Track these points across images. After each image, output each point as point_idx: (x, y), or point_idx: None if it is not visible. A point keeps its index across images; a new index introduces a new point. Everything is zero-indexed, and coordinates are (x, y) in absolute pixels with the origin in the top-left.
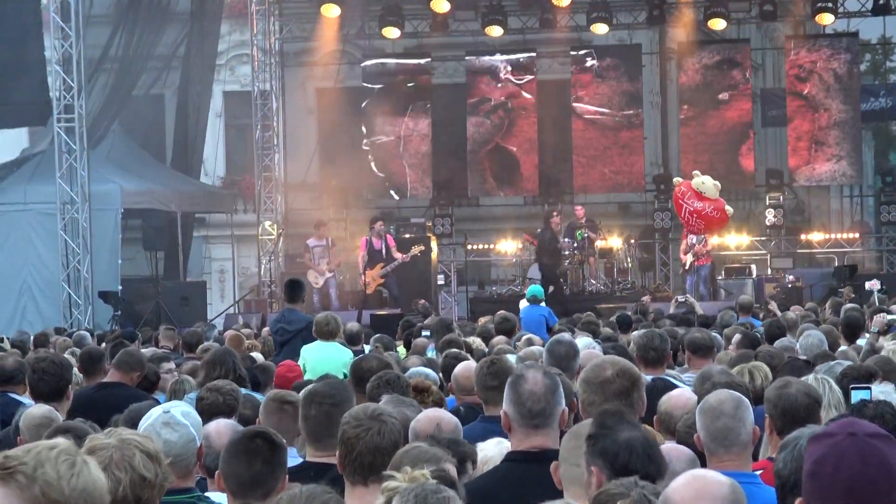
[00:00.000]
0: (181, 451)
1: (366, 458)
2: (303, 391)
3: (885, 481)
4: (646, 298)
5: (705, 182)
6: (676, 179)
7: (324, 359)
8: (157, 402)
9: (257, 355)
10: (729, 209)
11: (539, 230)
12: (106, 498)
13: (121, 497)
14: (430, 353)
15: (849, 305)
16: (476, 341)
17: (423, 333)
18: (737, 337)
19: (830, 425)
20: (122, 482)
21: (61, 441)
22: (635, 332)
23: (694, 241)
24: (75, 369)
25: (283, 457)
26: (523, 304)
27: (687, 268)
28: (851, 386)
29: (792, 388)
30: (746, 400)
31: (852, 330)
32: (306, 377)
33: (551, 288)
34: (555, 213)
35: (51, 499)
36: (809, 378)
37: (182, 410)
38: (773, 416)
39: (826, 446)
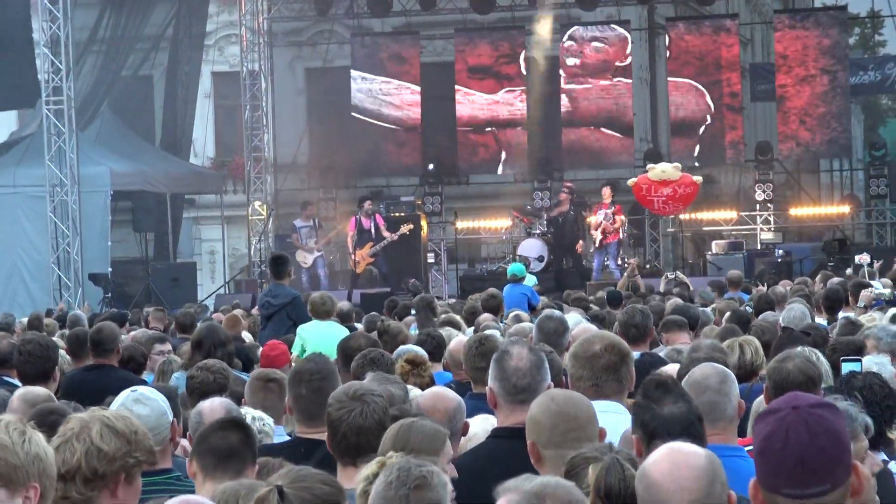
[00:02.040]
0: (155, 425)
1: (350, 439)
2: (290, 372)
3: (834, 449)
4: (632, 261)
5: (664, 169)
6: (631, 181)
7: (323, 337)
8: (146, 384)
9: (246, 335)
10: (697, 178)
11: (562, 211)
12: (53, 468)
13: (75, 467)
14: (413, 332)
15: (834, 279)
16: (458, 319)
17: (412, 312)
18: (728, 312)
19: (774, 402)
20: (77, 452)
21: (6, 415)
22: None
23: (601, 218)
24: (62, 351)
25: (254, 440)
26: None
27: (597, 245)
28: (842, 358)
29: (789, 363)
30: (732, 374)
31: (832, 303)
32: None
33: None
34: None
35: (9, 463)
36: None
37: (150, 389)
38: (768, 388)
39: (772, 422)
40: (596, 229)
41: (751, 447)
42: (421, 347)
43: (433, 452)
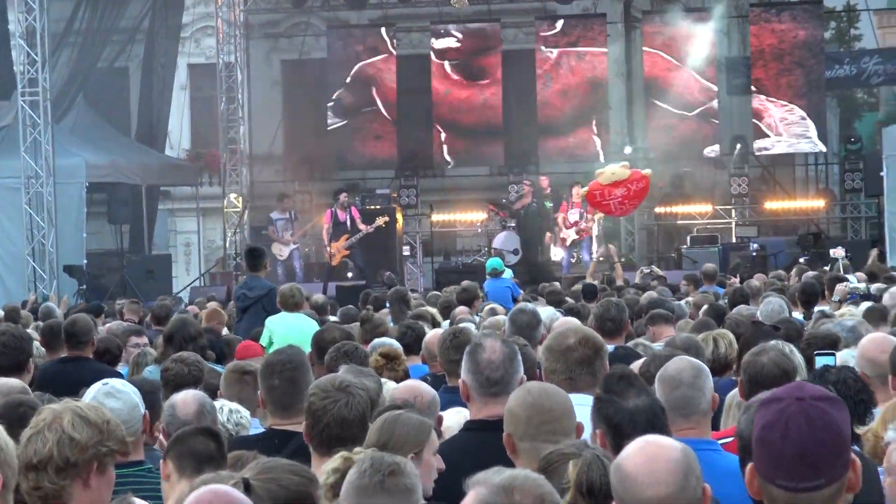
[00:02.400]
0: (127, 418)
1: (333, 429)
2: (261, 364)
3: (834, 443)
4: (610, 247)
5: (613, 171)
6: (583, 190)
7: (291, 329)
8: (121, 376)
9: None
10: (646, 171)
11: (524, 204)
12: (14, 459)
13: (47, 456)
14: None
15: (809, 273)
16: (433, 311)
17: (386, 304)
18: (704, 306)
19: (777, 390)
20: (49, 442)
21: None
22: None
23: (577, 217)
24: (36, 343)
25: (224, 447)
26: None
27: (569, 244)
28: (816, 352)
29: (764, 356)
30: (706, 368)
31: (808, 297)
32: (274, 349)
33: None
34: (526, 183)
35: None
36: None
37: (121, 382)
38: (742, 381)
39: (774, 411)
40: (569, 228)
41: (724, 440)
42: (400, 340)
43: (418, 444)
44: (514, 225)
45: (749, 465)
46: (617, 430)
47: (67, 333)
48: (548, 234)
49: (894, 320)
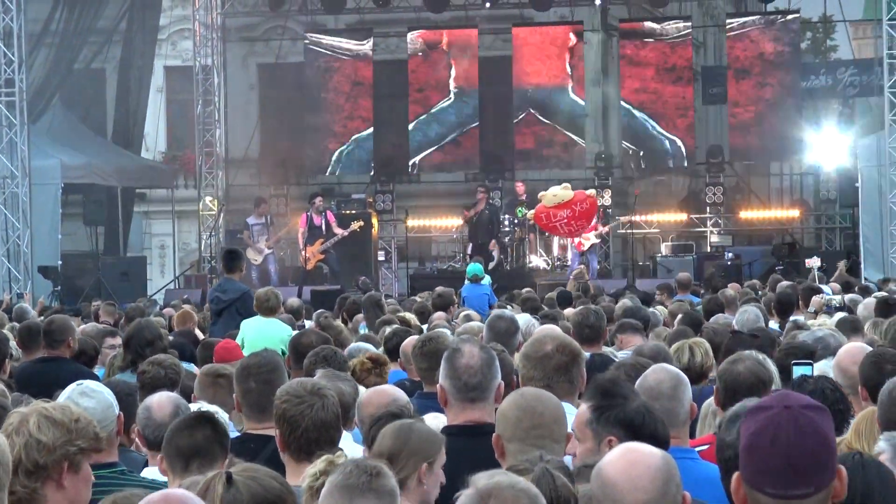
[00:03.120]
0: (101, 418)
1: (311, 433)
2: (236, 368)
3: (822, 451)
4: (581, 267)
5: (555, 193)
6: (529, 213)
7: (262, 334)
8: (98, 378)
9: (196, 331)
10: (590, 191)
11: (478, 210)
12: (8, 460)
13: (16, 460)
14: (362, 330)
15: (784, 283)
16: (410, 317)
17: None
18: (680, 315)
19: (764, 399)
20: (17, 446)
21: None
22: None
23: (595, 220)
24: (12, 343)
25: (224, 436)
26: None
27: (587, 248)
28: (793, 362)
29: (740, 365)
30: (685, 377)
31: (784, 307)
32: (245, 352)
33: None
34: (480, 189)
35: None
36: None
37: (96, 383)
38: (718, 390)
39: (762, 420)
40: (588, 232)
41: (701, 447)
42: (386, 344)
43: (431, 455)
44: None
45: (735, 474)
46: (631, 427)
47: (45, 333)
48: (493, 242)
49: (869, 330)
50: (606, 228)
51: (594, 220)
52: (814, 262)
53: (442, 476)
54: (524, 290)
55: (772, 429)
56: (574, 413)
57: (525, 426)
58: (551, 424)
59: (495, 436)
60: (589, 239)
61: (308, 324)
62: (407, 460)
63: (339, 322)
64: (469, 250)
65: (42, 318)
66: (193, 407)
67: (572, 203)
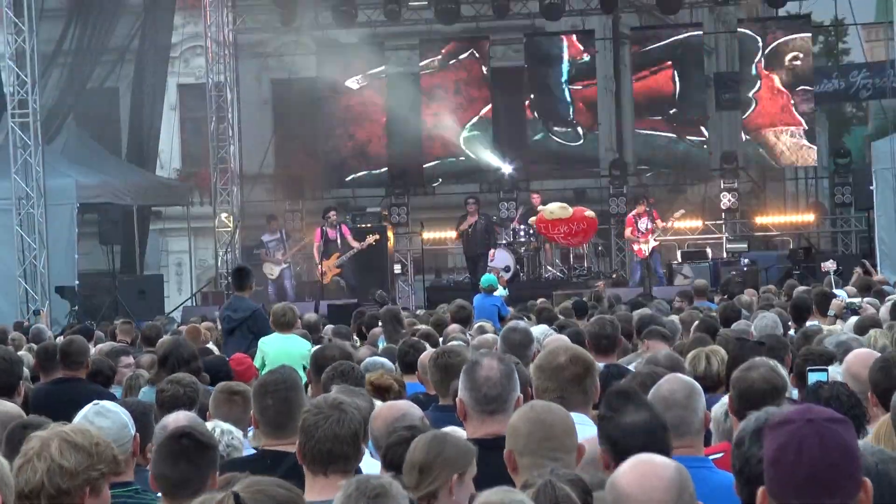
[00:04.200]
0: (116, 437)
1: (324, 444)
2: (254, 384)
3: (846, 464)
4: (599, 284)
5: (552, 210)
6: (532, 219)
7: (282, 350)
8: (115, 397)
9: (213, 347)
10: (589, 213)
11: (471, 223)
12: (12, 480)
13: (38, 486)
14: (381, 344)
15: (800, 288)
16: (428, 329)
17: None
18: (696, 322)
19: (788, 412)
20: (39, 471)
21: None
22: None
23: (650, 225)
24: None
25: (211, 455)
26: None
27: (648, 254)
28: (808, 368)
29: (753, 372)
30: (698, 386)
31: (800, 312)
32: (266, 370)
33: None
34: (470, 202)
35: None
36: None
37: (112, 403)
38: (732, 398)
39: (786, 433)
40: (645, 236)
41: (716, 456)
42: (402, 359)
43: (463, 467)
44: (505, 242)
45: (761, 489)
46: (615, 446)
47: (63, 354)
48: (492, 252)
49: (882, 335)
50: (664, 225)
51: (645, 226)
52: (829, 266)
53: (472, 488)
54: (539, 300)
55: (795, 442)
56: (587, 423)
57: (537, 438)
58: (562, 436)
59: (507, 451)
60: (648, 242)
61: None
62: (439, 471)
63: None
64: (510, 264)
65: (61, 337)
66: (209, 425)
67: (570, 221)
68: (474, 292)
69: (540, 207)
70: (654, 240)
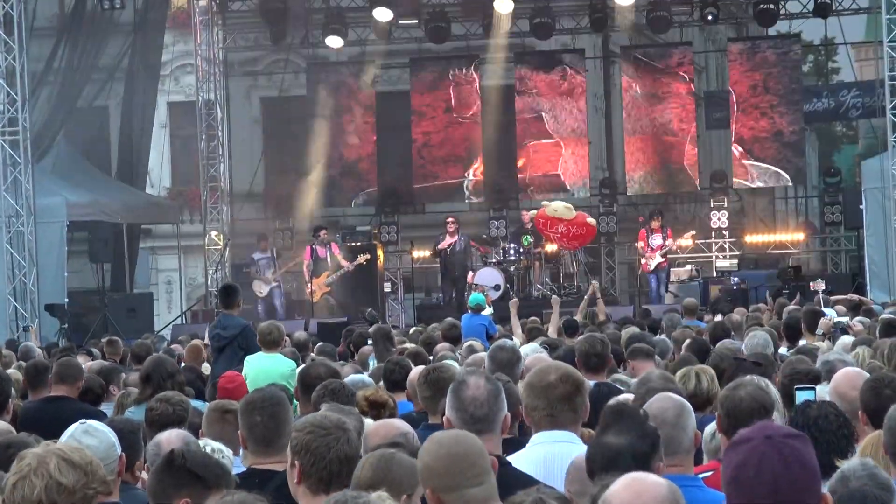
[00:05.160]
0: (104, 456)
1: (334, 466)
2: (240, 403)
3: (806, 479)
4: (593, 283)
5: (556, 208)
6: (532, 212)
7: (265, 369)
8: (104, 416)
9: (205, 366)
10: (591, 220)
11: (451, 243)
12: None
13: (35, 502)
14: (372, 363)
15: (791, 307)
16: (417, 348)
17: (368, 342)
18: (687, 341)
19: (744, 430)
20: (37, 488)
21: None
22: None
23: (661, 241)
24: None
25: (203, 470)
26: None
27: (652, 269)
28: (796, 387)
29: (741, 390)
30: (689, 405)
31: (792, 331)
32: (249, 389)
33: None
34: (450, 221)
35: None
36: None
37: (98, 422)
38: (720, 416)
39: (745, 451)
40: (654, 252)
41: (706, 474)
42: (388, 377)
43: (411, 488)
44: (494, 261)
45: None
46: (598, 468)
47: (58, 374)
48: (470, 273)
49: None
50: (676, 244)
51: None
52: (819, 286)
53: None
54: (530, 318)
55: (755, 459)
56: (576, 442)
57: (457, 471)
58: (478, 460)
59: (428, 491)
60: (654, 258)
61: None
62: (387, 492)
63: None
64: (440, 282)
65: (52, 358)
66: (200, 444)
67: (571, 223)
68: (460, 312)
69: (544, 202)
70: (661, 256)
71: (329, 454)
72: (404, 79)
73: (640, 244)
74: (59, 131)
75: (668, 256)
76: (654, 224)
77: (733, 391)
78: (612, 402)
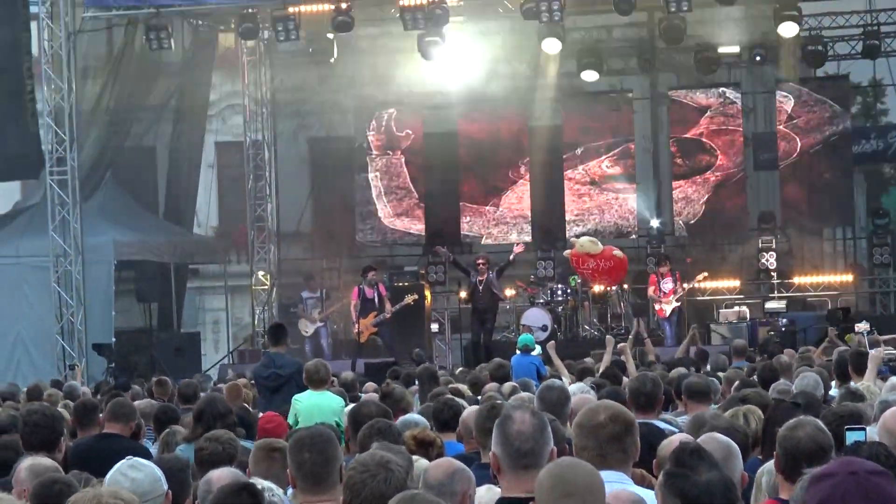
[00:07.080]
0: (149, 489)
1: (370, 503)
2: (290, 440)
3: None
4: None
5: (583, 243)
6: (566, 252)
7: (315, 407)
8: (150, 454)
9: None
10: (617, 253)
11: (481, 279)
12: None
13: None
14: (416, 402)
15: (841, 348)
16: (463, 388)
17: (415, 382)
18: (736, 382)
19: (829, 465)
20: None
21: (4, 495)
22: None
23: (672, 285)
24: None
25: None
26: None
27: (668, 315)
28: (846, 427)
29: (800, 430)
30: (736, 447)
31: (843, 371)
32: (299, 426)
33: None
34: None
35: None
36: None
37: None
38: (778, 455)
39: (829, 486)
40: (667, 297)
41: None
42: (437, 416)
43: None
44: (542, 301)
45: None
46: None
47: (112, 413)
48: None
49: None
50: (687, 286)
51: (668, 286)
52: (863, 327)
53: None
54: (586, 359)
55: (839, 495)
56: (627, 482)
57: (557, 494)
58: (584, 494)
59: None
60: (670, 303)
61: (363, 397)
62: None
63: (399, 387)
64: (547, 322)
65: (100, 396)
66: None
67: (598, 257)
68: (485, 349)
69: (573, 239)
70: (676, 301)
71: (364, 491)
72: (452, 118)
73: (651, 288)
74: (107, 171)
75: (683, 299)
76: (663, 269)
77: (792, 431)
78: (684, 443)
